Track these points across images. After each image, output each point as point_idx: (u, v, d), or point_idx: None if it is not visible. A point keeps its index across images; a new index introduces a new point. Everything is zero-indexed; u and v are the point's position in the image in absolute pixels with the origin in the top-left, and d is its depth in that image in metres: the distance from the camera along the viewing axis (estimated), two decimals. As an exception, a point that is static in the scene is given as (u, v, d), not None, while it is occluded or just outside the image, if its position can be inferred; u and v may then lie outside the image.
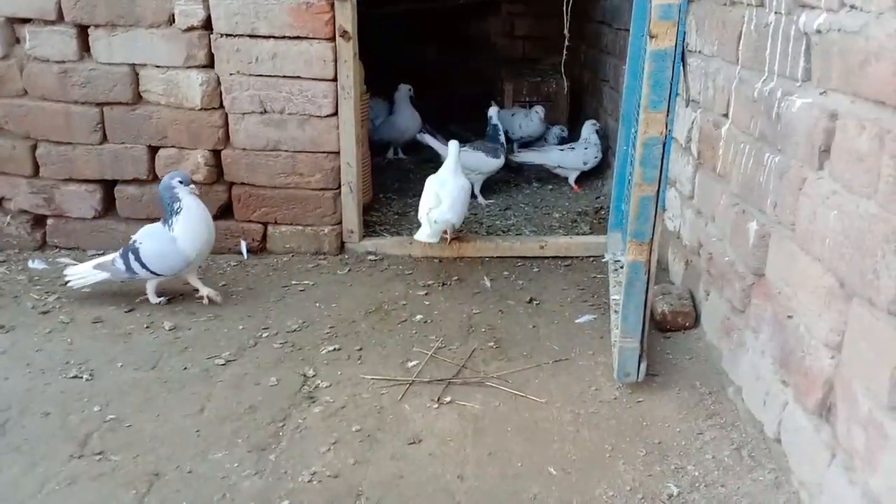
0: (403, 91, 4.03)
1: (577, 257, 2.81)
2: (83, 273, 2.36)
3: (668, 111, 1.72)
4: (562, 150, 3.75)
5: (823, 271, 1.47)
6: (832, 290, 1.44)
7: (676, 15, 1.68)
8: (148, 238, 2.34)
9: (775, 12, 1.75)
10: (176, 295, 2.47)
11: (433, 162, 4.07)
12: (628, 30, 3.45)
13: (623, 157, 2.61)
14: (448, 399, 1.91)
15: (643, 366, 1.91)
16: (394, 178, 3.76)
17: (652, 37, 1.69)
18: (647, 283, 1.84)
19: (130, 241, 2.37)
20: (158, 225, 2.37)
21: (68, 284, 2.37)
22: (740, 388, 1.87)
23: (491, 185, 3.70)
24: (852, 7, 1.40)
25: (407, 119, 4.03)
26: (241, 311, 2.38)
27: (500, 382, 1.98)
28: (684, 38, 1.82)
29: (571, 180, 3.70)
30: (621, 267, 2.41)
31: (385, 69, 4.01)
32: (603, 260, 2.64)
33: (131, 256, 2.31)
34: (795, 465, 1.58)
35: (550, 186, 3.72)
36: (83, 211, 2.78)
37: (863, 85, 1.36)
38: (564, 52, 3.38)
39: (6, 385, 1.94)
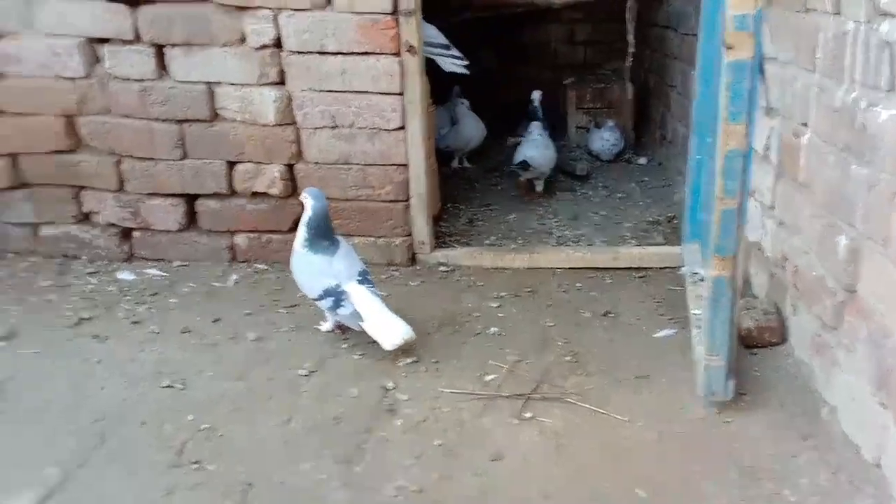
0: (459, 101, 4.04)
1: (651, 268, 2.77)
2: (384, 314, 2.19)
3: (747, 123, 1.69)
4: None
5: (927, 291, 1.41)
6: (937, 311, 1.38)
7: (752, 25, 1.64)
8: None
9: (854, 21, 1.69)
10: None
11: (497, 171, 4.10)
12: (695, 35, 3.41)
13: (696, 165, 2.56)
14: (528, 415, 1.91)
15: (731, 384, 1.87)
16: (460, 187, 3.78)
17: (728, 48, 1.66)
18: (733, 299, 1.80)
19: (360, 269, 2.28)
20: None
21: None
22: (835, 409, 1.81)
23: (554, 191, 3.69)
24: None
25: (471, 128, 4.05)
26: (320, 322, 2.42)
27: (580, 399, 1.97)
28: (761, 48, 1.78)
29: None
30: (700, 280, 2.37)
31: (446, 78, 4.03)
32: (679, 272, 2.59)
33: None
34: (898, 492, 1.52)
35: (620, 195, 3.67)
36: (168, 224, 2.88)
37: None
38: (629, 59, 3.35)
39: (103, 394, 2.04)
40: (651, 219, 3.30)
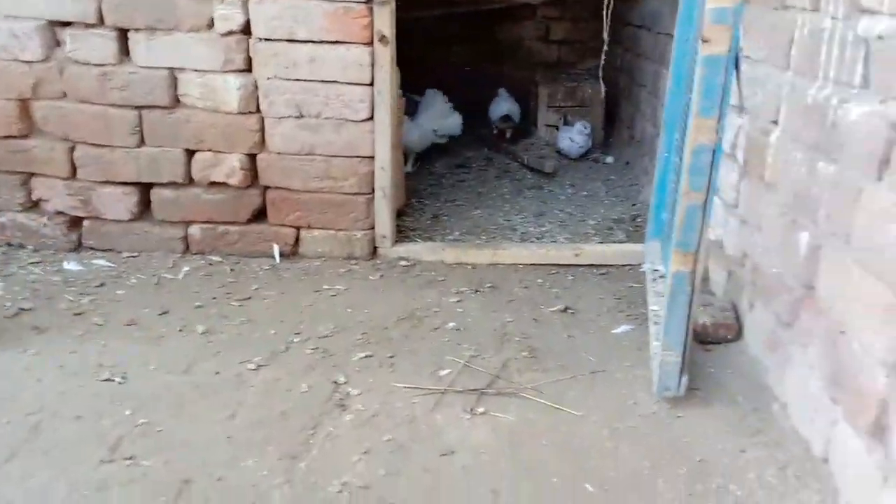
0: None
1: (613, 266, 2.75)
2: None
3: (719, 118, 1.66)
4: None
5: (881, 287, 1.40)
6: (890, 307, 1.37)
7: (731, 19, 1.62)
8: None
9: (832, 17, 1.68)
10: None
11: (465, 167, 4.06)
12: (669, 34, 3.39)
13: (664, 163, 2.54)
14: (481, 410, 1.87)
15: (684, 380, 1.84)
16: (426, 182, 3.73)
17: (704, 41, 1.63)
18: (692, 295, 1.77)
19: None
20: None
21: None
22: (786, 405, 1.80)
23: (523, 191, 3.66)
24: (917, 11, 1.33)
25: (408, 134, 3.82)
26: (273, 315, 2.36)
27: (535, 394, 1.93)
28: (738, 43, 1.76)
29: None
30: (660, 277, 2.35)
31: (416, 72, 3.97)
32: (641, 269, 2.56)
33: None
34: (844, 487, 1.51)
35: (585, 193, 3.66)
36: (119, 213, 2.79)
37: (927, 92, 1.29)
38: (603, 58, 3.33)
39: (39, 386, 1.95)
40: (615, 217, 3.28)
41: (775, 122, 1.98)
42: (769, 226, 1.98)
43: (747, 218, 2.17)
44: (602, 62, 3.41)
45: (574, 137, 4.14)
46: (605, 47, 3.30)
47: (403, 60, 2.80)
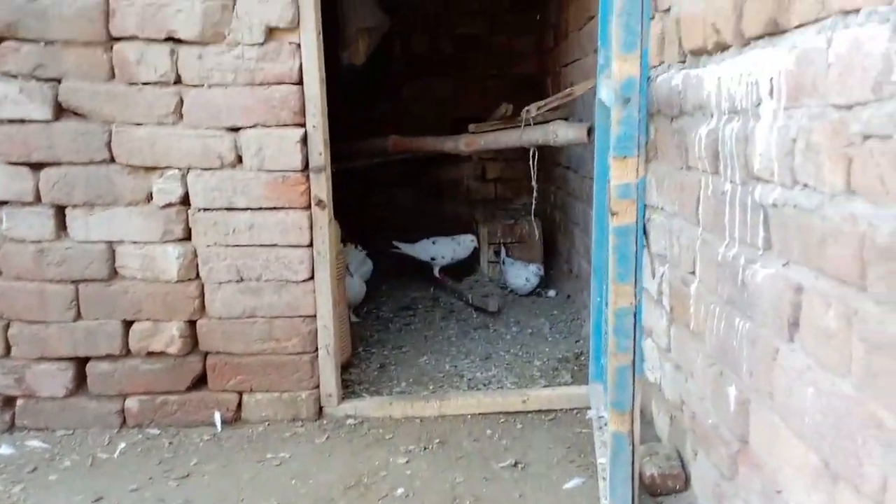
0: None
1: (560, 410, 2.76)
2: None
3: (635, 282, 1.75)
4: (433, 242, 4.59)
5: (806, 449, 1.44)
6: (818, 470, 1.40)
7: (635, 193, 1.75)
8: None
9: (731, 181, 1.79)
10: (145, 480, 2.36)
11: (411, 309, 4.11)
12: (592, 178, 3.62)
13: (597, 308, 2.63)
14: (434, 593, 1.80)
15: (636, 542, 1.82)
16: (373, 328, 3.75)
17: (613, 214, 1.75)
18: (633, 454, 1.80)
19: None
20: None
21: None
22: (739, 564, 1.78)
23: (469, 332, 3.71)
24: (805, 185, 1.42)
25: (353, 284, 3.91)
26: (213, 494, 2.27)
27: (488, 568, 1.88)
28: (645, 212, 1.89)
29: (436, 271, 4.53)
30: (606, 424, 2.37)
31: (360, 216, 4.10)
32: (587, 417, 2.59)
33: None
34: None
35: (530, 330, 3.72)
36: (54, 389, 2.70)
37: (824, 262, 1.36)
38: (534, 201, 3.51)
39: None
40: (560, 356, 3.33)
41: (693, 273, 2.08)
42: (700, 375, 2.04)
43: (680, 364, 2.23)
44: (534, 204, 3.60)
45: (529, 278, 4.28)
46: (535, 193, 3.49)
47: (345, 205, 2.87)
